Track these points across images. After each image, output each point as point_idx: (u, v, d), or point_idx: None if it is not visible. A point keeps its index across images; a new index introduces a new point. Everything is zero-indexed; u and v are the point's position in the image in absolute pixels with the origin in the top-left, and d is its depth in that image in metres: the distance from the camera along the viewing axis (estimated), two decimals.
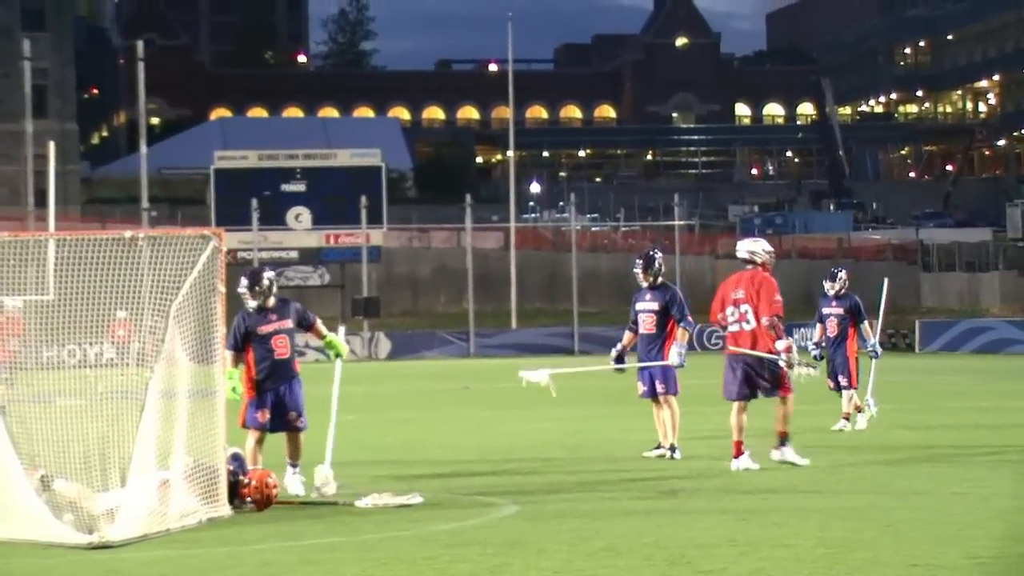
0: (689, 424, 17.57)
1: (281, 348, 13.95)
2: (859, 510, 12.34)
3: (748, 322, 15.29)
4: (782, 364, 15.28)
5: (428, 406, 27.91)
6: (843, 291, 20.39)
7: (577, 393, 25.87)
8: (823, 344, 20.20)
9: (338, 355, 14.39)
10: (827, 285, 20.50)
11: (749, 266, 15.56)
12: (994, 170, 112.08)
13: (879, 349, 20.50)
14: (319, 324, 14.37)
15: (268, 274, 14.24)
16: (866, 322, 20.30)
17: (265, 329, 13.92)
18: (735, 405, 15.32)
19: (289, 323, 14.06)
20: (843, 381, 19.96)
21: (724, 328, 15.60)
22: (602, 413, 20.87)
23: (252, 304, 13.99)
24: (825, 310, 20.40)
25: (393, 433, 21.74)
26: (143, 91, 54.43)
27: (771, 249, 15.81)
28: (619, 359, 16.96)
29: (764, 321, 15.21)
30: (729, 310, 15.41)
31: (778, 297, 15.34)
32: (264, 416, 13.94)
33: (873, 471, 15.31)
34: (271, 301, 14.05)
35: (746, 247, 15.71)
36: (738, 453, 15.19)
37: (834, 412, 19.94)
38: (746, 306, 15.30)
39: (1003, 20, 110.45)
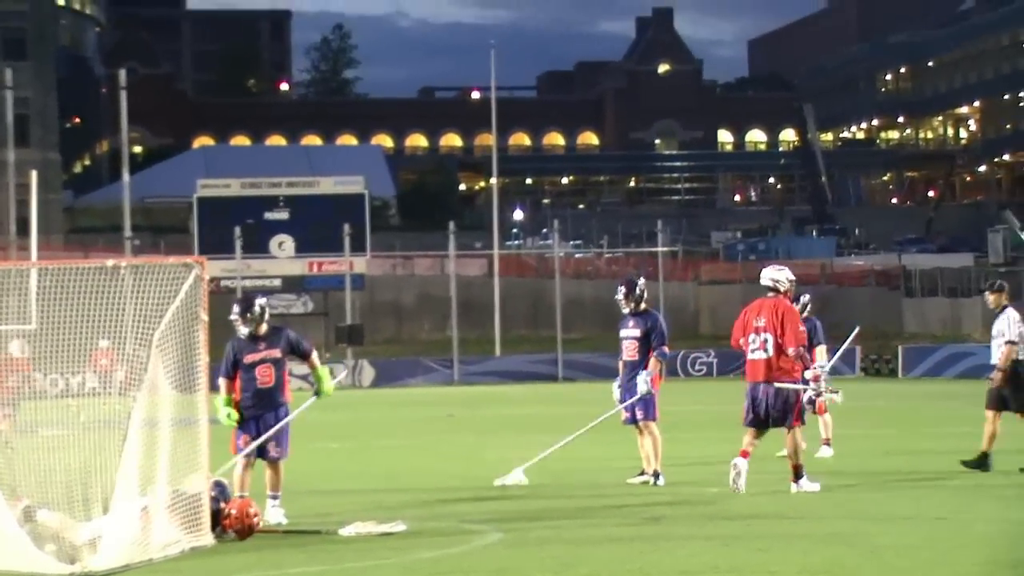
0: (672, 451, 17.56)
1: (264, 377, 13.90)
2: (843, 536, 12.34)
3: (766, 351, 15.41)
4: (811, 393, 15.57)
5: (412, 434, 27.86)
6: (804, 315, 20.19)
7: (560, 420, 25.84)
8: None
9: (319, 392, 14.24)
10: None
11: (771, 293, 15.68)
12: (975, 196, 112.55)
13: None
14: (314, 357, 14.22)
15: (260, 301, 14.21)
16: (822, 346, 20.00)
17: (250, 358, 13.89)
18: (750, 430, 15.50)
19: (277, 352, 13.99)
20: (809, 409, 19.78)
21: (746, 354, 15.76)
22: (585, 439, 20.84)
23: (244, 331, 13.97)
24: None
25: (376, 461, 21.69)
26: (125, 120, 54.42)
27: (793, 278, 15.94)
28: (623, 398, 16.90)
29: (791, 352, 15.35)
30: (751, 336, 15.53)
31: (802, 327, 15.51)
32: (246, 442, 13.92)
33: (856, 496, 15.31)
34: (263, 328, 14.01)
35: (769, 275, 15.81)
36: (743, 455, 15.33)
37: (812, 438, 19.92)
38: (766, 334, 15.41)
39: (983, 47, 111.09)
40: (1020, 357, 17.30)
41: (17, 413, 13.38)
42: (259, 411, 13.90)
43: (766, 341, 15.39)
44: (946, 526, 12.93)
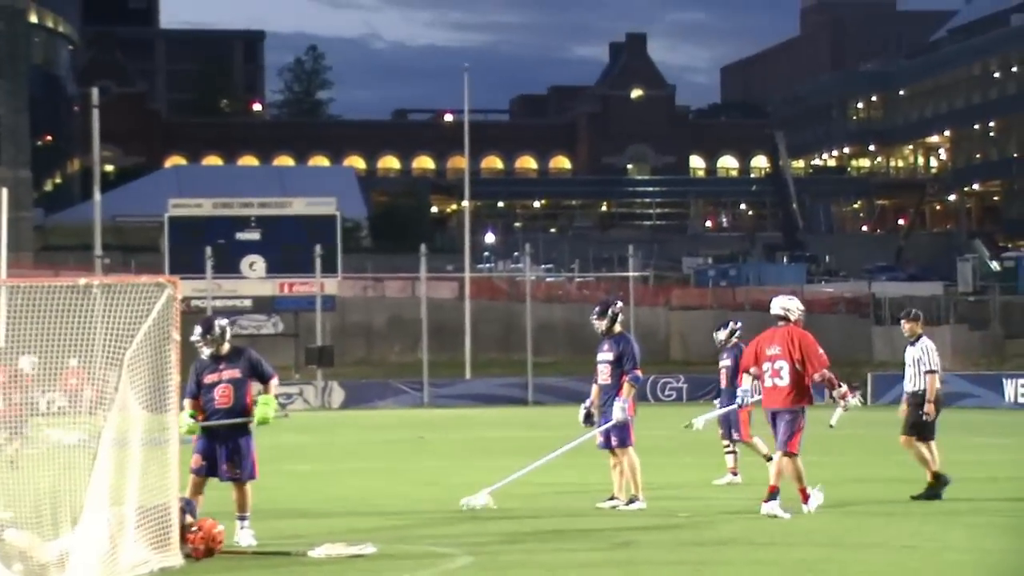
0: (642, 476, 17.53)
1: (222, 399, 13.85)
2: (812, 563, 12.36)
3: (781, 378, 15.58)
4: (841, 410, 16.09)
5: (381, 456, 27.80)
6: (731, 342, 20.09)
7: (530, 443, 25.83)
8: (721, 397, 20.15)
9: (259, 418, 14.03)
10: (716, 335, 20.33)
11: (782, 322, 15.84)
12: (945, 224, 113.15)
13: (746, 399, 19.24)
14: (272, 383, 14.14)
15: (220, 322, 14.19)
16: (746, 374, 19.72)
17: (209, 379, 13.88)
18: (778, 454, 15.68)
19: (237, 372, 13.93)
20: (735, 435, 19.77)
21: (754, 379, 15.92)
22: (557, 463, 20.83)
23: (206, 352, 13.96)
24: (720, 362, 20.21)
25: (346, 483, 21.63)
26: (97, 138, 54.33)
27: (803, 307, 16.12)
28: (587, 418, 16.88)
29: (816, 377, 15.54)
30: (764, 366, 15.68)
31: (821, 351, 15.68)
32: (196, 462, 13.87)
33: (826, 524, 15.34)
34: (225, 348, 13.98)
35: (781, 304, 15.97)
36: (769, 497, 15.47)
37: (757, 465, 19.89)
38: (781, 362, 15.57)
39: (953, 77, 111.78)
40: (937, 386, 17.65)
41: (26, 431, 13.34)
42: (215, 432, 13.86)
43: (780, 369, 15.57)
44: (915, 554, 12.97)
